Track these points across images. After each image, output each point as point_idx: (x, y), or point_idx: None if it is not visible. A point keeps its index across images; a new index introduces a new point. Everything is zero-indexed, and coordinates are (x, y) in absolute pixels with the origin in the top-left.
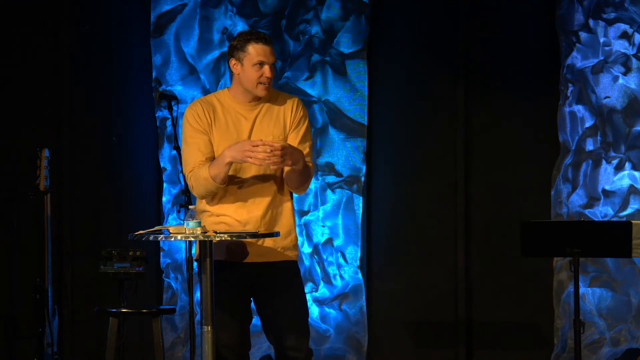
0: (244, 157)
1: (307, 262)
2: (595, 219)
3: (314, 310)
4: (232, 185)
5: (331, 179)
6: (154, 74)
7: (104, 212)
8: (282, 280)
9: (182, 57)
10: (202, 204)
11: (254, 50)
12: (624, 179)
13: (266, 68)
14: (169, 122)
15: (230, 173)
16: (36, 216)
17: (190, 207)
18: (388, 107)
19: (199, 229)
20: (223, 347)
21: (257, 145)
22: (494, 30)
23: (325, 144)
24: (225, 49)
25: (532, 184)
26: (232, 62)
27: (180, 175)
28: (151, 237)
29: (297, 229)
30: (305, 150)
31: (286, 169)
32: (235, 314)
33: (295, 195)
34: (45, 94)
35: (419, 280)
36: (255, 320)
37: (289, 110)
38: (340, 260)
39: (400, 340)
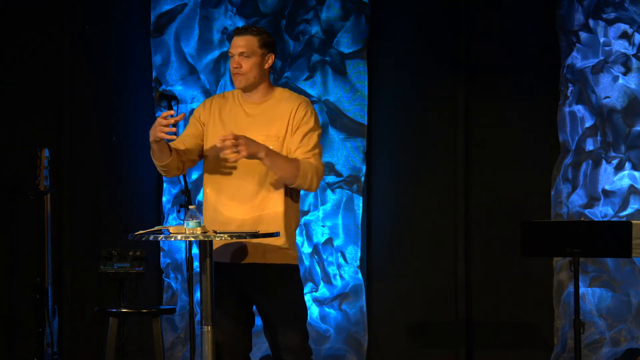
0: (157, 132)
1: (307, 262)
2: (595, 219)
3: (314, 310)
4: (218, 184)
5: (331, 179)
6: (154, 74)
7: (104, 212)
8: (275, 282)
9: (182, 57)
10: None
11: (230, 44)
12: (624, 179)
13: (233, 59)
14: None
15: (217, 173)
16: (36, 216)
17: (190, 207)
18: (388, 107)
19: (199, 229)
20: (219, 344)
21: (165, 122)
22: (494, 30)
23: (325, 144)
24: (225, 49)
25: (532, 184)
26: None
27: (180, 175)
28: (151, 237)
29: (297, 230)
30: (306, 148)
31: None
32: (228, 313)
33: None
34: (45, 94)
35: (419, 280)
36: (255, 321)
37: (288, 113)
38: (340, 260)
39: (400, 340)
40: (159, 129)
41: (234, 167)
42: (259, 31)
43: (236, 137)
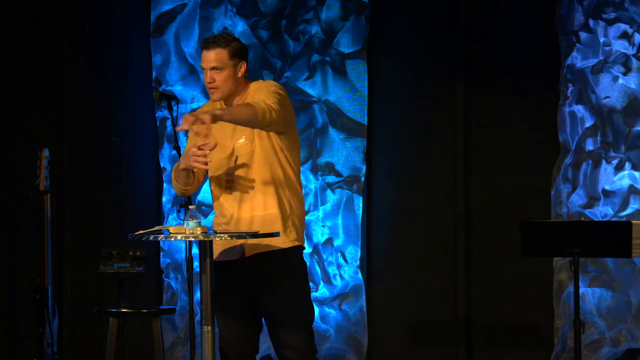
0: (191, 162)
1: (307, 262)
2: (595, 219)
3: None
4: (215, 185)
5: (331, 179)
6: (154, 74)
7: (104, 212)
8: (275, 274)
9: (182, 57)
10: None
11: (201, 58)
12: (624, 179)
13: (206, 73)
14: (169, 122)
15: (218, 176)
16: (36, 216)
17: (190, 207)
18: (388, 107)
19: (199, 229)
20: (224, 344)
21: (201, 153)
22: (494, 30)
23: (325, 144)
24: None
25: (532, 184)
26: None
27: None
28: (151, 237)
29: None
30: (265, 95)
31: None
32: (234, 312)
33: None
34: (45, 94)
35: (419, 280)
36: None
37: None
38: (340, 260)
39: (400, 340)
40: (193, 159)
41: (233, 171)
42: (227, 41)
43: (192, 121)
